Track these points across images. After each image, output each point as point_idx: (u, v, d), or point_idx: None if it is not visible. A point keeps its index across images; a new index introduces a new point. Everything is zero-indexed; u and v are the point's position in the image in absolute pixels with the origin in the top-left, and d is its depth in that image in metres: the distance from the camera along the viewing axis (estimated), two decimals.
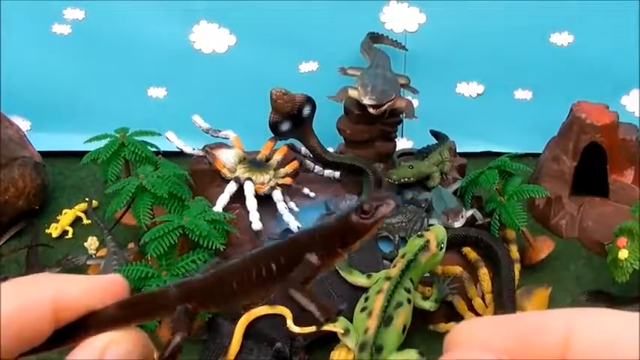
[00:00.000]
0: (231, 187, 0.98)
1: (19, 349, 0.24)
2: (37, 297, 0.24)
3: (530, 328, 0.22)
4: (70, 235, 1.06)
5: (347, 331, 0.78)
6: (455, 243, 0.92)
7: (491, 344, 0.22)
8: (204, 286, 0.29)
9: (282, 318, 0.81)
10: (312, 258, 0.28)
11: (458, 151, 1.11)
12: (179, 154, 1.06)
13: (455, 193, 1.01)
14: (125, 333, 0.25)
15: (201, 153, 1.04)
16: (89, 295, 0.25)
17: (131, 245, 0.97)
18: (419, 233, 0.85)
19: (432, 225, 0.93)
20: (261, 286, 0.28)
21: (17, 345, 0.24)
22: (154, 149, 1.00)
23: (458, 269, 0.89)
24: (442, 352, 0.23)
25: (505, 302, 0.84)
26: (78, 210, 1.09)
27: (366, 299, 0.80)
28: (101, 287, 0.26)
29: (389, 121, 1.05)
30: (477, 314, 0.88)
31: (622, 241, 0.89)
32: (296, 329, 0.79)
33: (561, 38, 1.19)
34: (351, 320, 0.80)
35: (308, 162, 1.06)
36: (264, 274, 0.28)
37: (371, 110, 0.99)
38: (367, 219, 0.28)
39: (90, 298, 0.25)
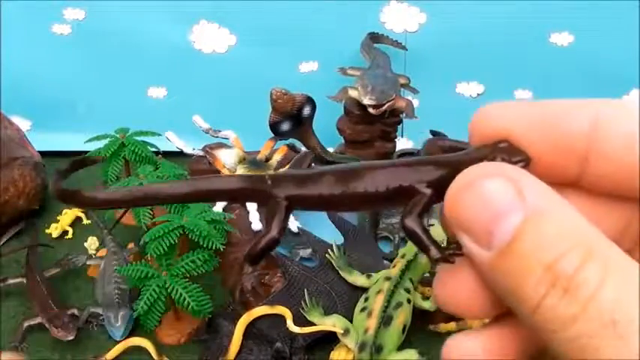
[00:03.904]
0: None
1: None
2: None
3: (555, 114, 0.21)
4: (70, 236, 1.06)
5: (347, 331, 0.78)
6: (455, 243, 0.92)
7: (513, 129, 0.21)
8: (304, 185, 0.26)
9: (282, 318, 0.81)
10: (428, 192, 0.25)
11: None
12: (179, 154, 1.06)
13: None
14: None
15: (201, 153, 1.04)
16: None
17: (131, 245, 0.97)
18: None
19: (432, 225, 0.94)
20: (362, 201, 0.26)
21: None
22: (153, 149, 1.00)
23: None
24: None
25: None
26: (78, 210, 1.09)
27: (366, 299, 0.80)
28: None
29: (389, 121, 1.05)
30: None
31: None
32: (296, 329, 0.79)
33: (561, 38, 1.19)
34: (350, 320, 0.80)
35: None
36: (373, 190, 0.25)
37: (371, 110, 0.99)
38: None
39: None
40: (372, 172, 0.26)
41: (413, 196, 0.25)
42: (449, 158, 0.25)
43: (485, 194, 0.20)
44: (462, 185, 0.21)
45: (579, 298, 0.18)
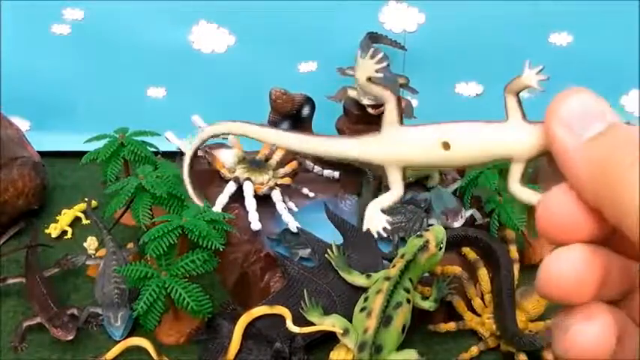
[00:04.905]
0: (230, 187, 0.98)
1: None
2: None
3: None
4: (69, 235, 1.06)
5: (346, 331, 0.78)
6: (454, 243, 0.92)
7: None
8: None
9: (281, 318, 0.81)
10: None
11: None
12: (178, 154, 1.06)
13: (454, 193, 1.01)
14: None
15: (200, 153, 1.04)
16: None
17: (130, 245, 0.97)
18: (418, 233, 0.85)
19: (431, 225, 0.94)
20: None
21: None
22: (153, 149, 1.00)
23: (457, 269, 0.89)
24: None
25: (504, 302, 0.84)
26: (77, 210, 1.09)
27: (366, 299, 0.80)
28: None
29: None
30: (477, 314, 0.88)
31: None
32: (295, 329, 0.79)
33: (561, 38, 1.19)
34: (350, 320, 0.80)
35: (307, 162, 1.06)
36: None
37: (370, 110, 0.99)
38: None
39: None
40: None
41: None
42: None
43: (583, 99, 0.26)
44: (564, 93, 0.27)
45: None
